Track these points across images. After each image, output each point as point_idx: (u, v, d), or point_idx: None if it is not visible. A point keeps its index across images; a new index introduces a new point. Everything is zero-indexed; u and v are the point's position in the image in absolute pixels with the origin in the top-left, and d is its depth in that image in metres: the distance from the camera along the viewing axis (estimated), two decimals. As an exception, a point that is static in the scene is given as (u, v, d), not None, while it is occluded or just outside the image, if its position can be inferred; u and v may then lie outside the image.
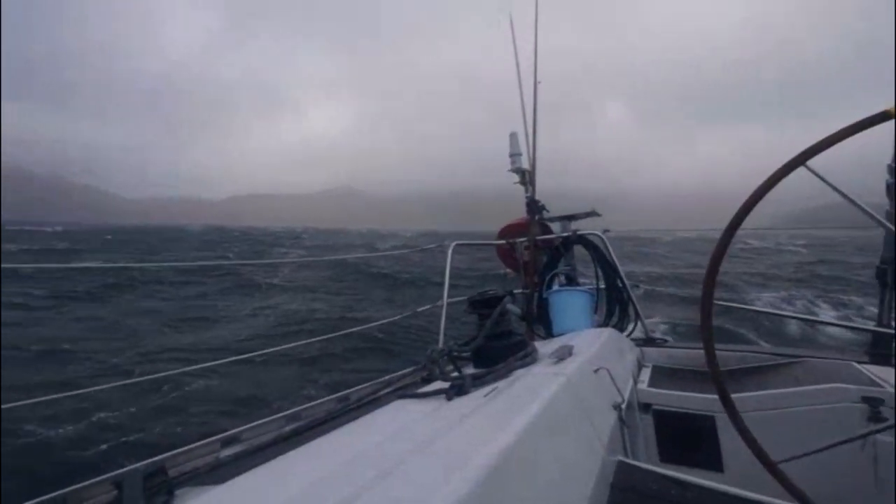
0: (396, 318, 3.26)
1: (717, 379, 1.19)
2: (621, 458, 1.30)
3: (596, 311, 3.23)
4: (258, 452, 1.50)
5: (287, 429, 2.05)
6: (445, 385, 1.40)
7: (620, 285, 3.26)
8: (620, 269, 3.28)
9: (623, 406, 1.56)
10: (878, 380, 2.01)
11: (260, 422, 2.05)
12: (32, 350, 7.85)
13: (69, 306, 12.03)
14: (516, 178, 3.68)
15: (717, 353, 1.19)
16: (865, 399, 1.84)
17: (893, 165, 2.36)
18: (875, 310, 2.63)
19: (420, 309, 3.22)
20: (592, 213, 3.55)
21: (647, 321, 3.22)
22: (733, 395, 1.20)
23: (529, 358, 1.64)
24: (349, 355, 7.53)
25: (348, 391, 2.40)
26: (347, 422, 1.38)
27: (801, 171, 1.03)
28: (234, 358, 2.60)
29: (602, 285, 3.30)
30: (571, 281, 3.48)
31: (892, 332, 2.46)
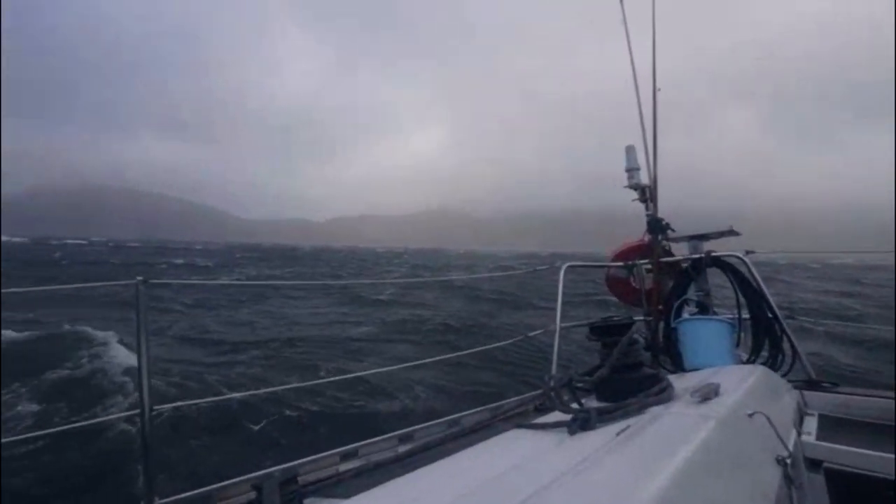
0: (507, 342, 3.16)
1: None
2: None
3: (738, 344, 2.81)
4: (375, 470, 1.53)
5: (401, 449, 2.07)
6: (566, 417, 1.33)
7: (770, 316, 2.80)
8: (770, 296, 2.82)
9: (788, 460, 1.32)
10: None
11: (375, 439, 2.09)
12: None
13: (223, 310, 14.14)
14: (634, 194, 3.42)
15: None
16: None
17: None
18: None
19: (532, 333, 3.09)
20: (729, 233, 3.14)
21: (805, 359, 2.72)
22: None
23: (665, 394, 1.47)
24: (462, 373, 7.58)
25: (460, 415, 2.36)
26: (462, 447, 1.36)
27: None
28: (378, 370, 2.70)
29: (745, 315, 2.87)
30: (705, 309, 3.08)
31: None
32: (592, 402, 1.53)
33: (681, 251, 3.36)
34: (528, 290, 16.46)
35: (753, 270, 2.90)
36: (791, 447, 1.50)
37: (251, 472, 1.76)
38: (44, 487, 4.16)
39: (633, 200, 3.39)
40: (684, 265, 3.17)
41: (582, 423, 1.27)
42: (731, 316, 2.90)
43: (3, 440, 1.65)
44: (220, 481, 1.69)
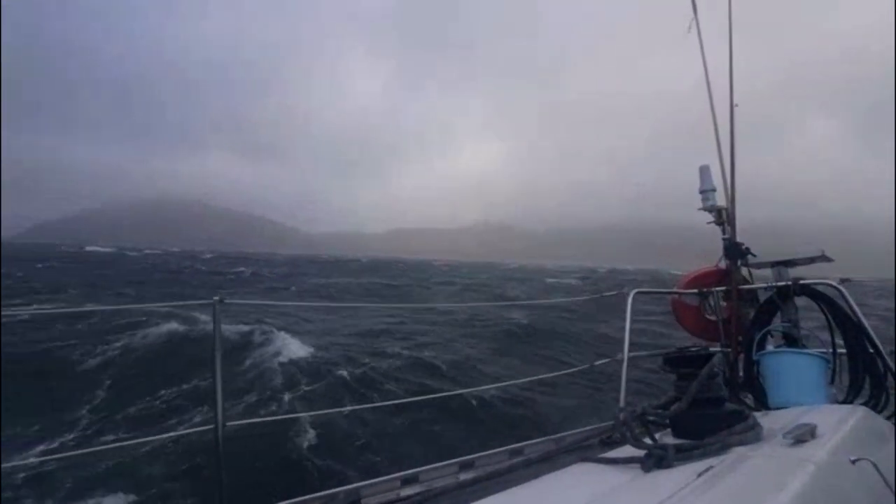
0: (573, 370, 3.06)
1: None
2: None
3: (832, 381, 2.54)
4: (439, 497, 1.54)
5: (462, 476, 2.04)
6: (638, 453, 1.26)
7: (872, 350, 2.51)
8: (870, 330, 2.53)
9: None
10: None
11: (436, 465, 2.09)
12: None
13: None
14: (709, 217, 3.22)
15: None
16: None
17: None
18: None
19: (598, 362, 2.97)
20: (821, 258, 2.87)
21: None
22: None
23: (752, 433, 1.34)
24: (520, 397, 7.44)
25: (522, 444, 2.31)
26: (527, 479, 1.33)
27: None
28: (444, 394, 2.72)
29: (841, 349, 2.60)
30: (792, 341, 2.82)
31: None
32: (668, 439, 1.43)
33: (761, 278, 3.12)
34: (594, 314, 15.71)
35: (850, 301, 2.62)
36: None
37: (315, 491, 1.80)
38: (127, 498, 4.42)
39: (709, 223, 3.20)
40: (768, 293, 2.93)
41: (657, 461, 1.19)
42: (822, 350, 2.64)
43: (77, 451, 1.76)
44: (285, 499, 1.75)
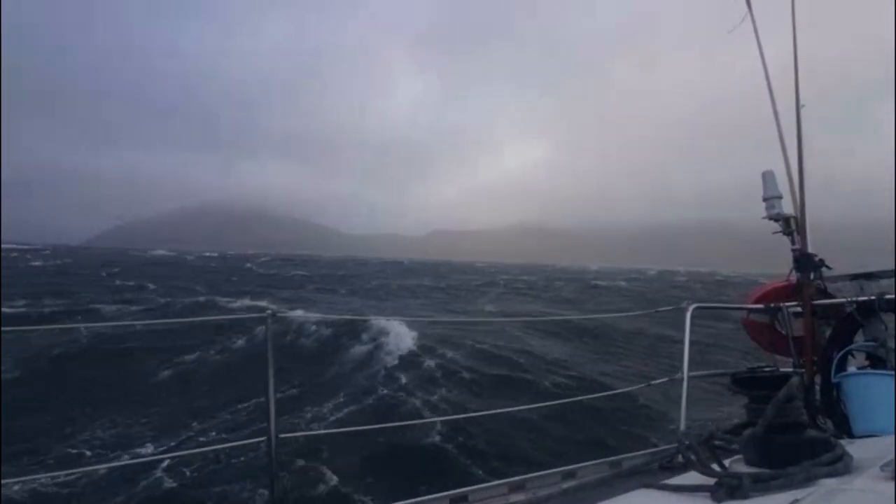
0: (629, 389, 2.93)
1: None
2: None
3: None
4: None
5: (513, 498, 2.00)
6: (706, 481, 1.18)
7: None
8: None
9: None
10: None
11: (484, 485, 2.04)
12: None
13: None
14: (776, 226, 3.00)
15: None
16: None
17: None
18: None
19: (655, 382, 2.83)
20: None
21: None
22: None
23: (840, 465, 1.22)
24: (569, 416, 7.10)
25: (574, 467, 2.22)
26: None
27: None
28: (496, 412, 2.70)
29: None
30: (879, 362, 2.57)
31: None
32: (739, 466, 1.33)
33: (839, 292, 2.86)
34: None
35: None
36: None
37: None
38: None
39: (775, 233, 2.98)
40: (848, 309, 2.69)
41: (730, 491, 1.12)
42: None
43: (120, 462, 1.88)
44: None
